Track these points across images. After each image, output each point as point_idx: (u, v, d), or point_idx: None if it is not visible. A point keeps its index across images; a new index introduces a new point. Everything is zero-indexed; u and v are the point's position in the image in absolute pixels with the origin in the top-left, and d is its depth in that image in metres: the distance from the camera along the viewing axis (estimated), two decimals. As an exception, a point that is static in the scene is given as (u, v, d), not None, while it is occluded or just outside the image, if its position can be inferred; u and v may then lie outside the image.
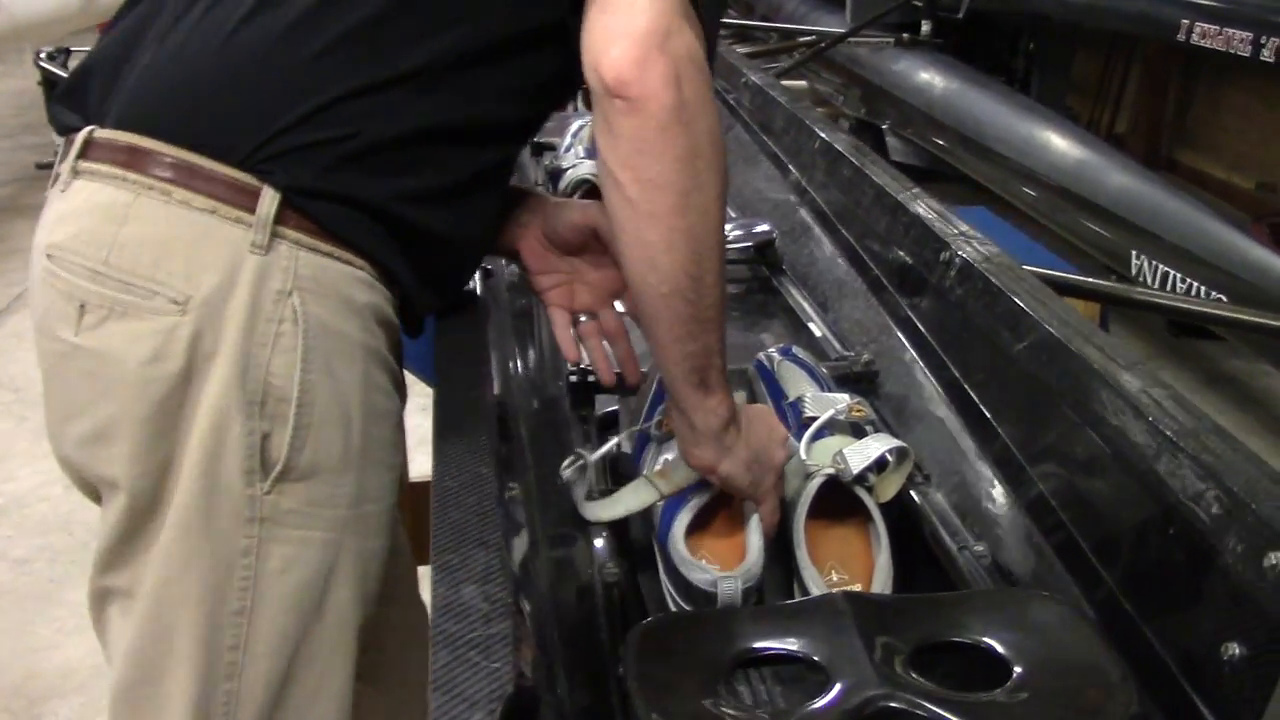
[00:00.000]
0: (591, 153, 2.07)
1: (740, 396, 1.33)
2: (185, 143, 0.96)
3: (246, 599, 0.99)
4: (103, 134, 0.99)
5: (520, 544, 0.86)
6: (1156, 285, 3.29)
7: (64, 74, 3.36)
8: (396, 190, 1.00)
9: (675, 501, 1.06)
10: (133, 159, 0.97)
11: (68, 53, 3.61)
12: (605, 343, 1.24)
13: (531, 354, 1.43)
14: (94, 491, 1.05)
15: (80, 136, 1.01)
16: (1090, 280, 1.90)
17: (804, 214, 1.82)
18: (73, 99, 1.06)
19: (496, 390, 1.13)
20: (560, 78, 0.99)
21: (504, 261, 1.47)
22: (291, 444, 0.97)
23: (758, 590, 1.00)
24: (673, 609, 1.01)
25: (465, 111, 1.02)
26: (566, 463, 1.12)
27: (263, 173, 0.96)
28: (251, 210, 0.95)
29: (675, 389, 1.01)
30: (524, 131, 1.14)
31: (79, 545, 2.85)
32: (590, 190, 1.85)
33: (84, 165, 0.99)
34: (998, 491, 1.10)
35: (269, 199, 0.95)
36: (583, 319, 1.24)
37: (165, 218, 0.95)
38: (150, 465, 0.97)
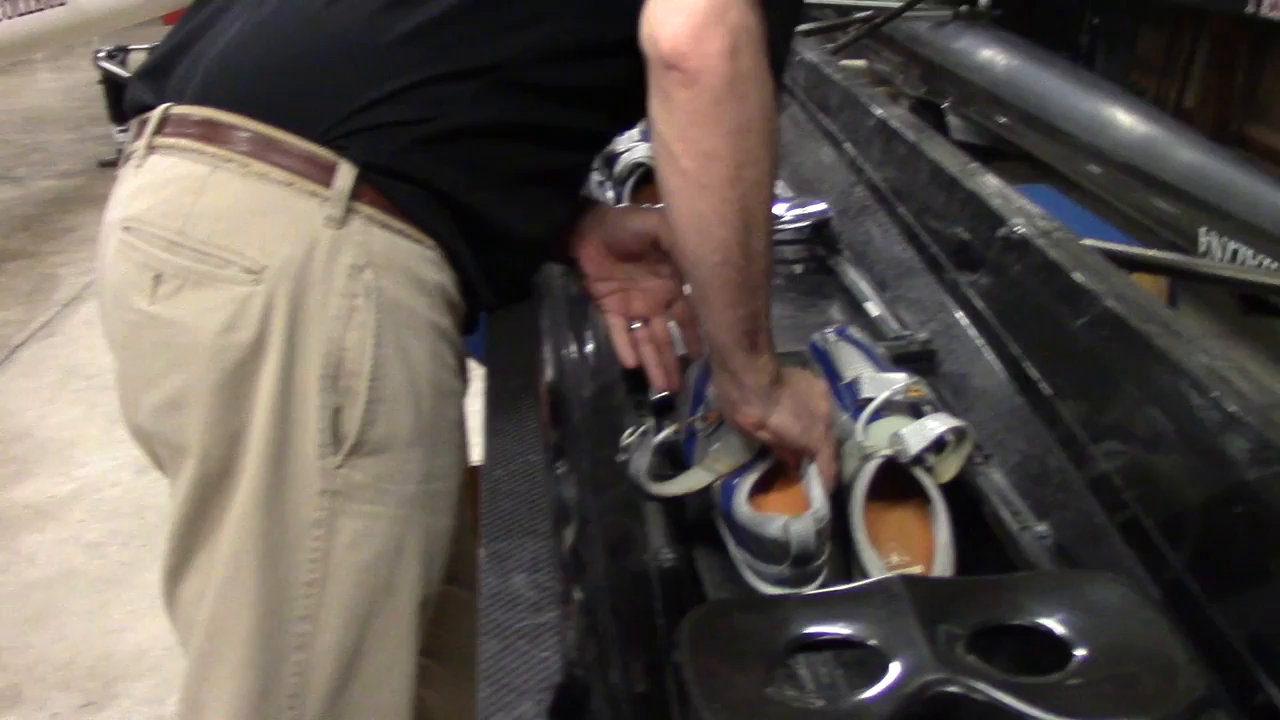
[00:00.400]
0: (647, 135, 2.06)
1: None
2: (264, 117, 0.98)
3: (317, 571, 1.00)
4: (179, 110, 1.01)
5: (572, 531, 0.86)
6: (1227, 262, 3.22)
7: (123, 71, 3.41)
8: (467, 179, 1.02)
9: (732, 478, 1.06)
10: (211, 132, 0.98)
11: (126, 51, 3.67)
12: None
13: (586, 340, 1.43)
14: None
15: (156, 113, 1.03)
16: (1156, 253, 1.86)
17: (860, 192, 1.80)
18: (151, 79, 1.08)
19: (550, 376, 1.13)
20: (636, 91, 0.99)
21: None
22: (364, 418, 0.98)
23: (829, 539, 0.99)
24: (748, 577, 1.01)
25: (540, 112, 1.04)
26: (628, 433, 1.12)
27: (340, 148, 0.97)
28: (327, 185, 0.97)
29: (725, 352, 1.02)
30: (596, 141, 1.16)
31: (150, 529, 2.90)
32: (645, 175, 1.84)
33: (160, 141, 1.01)
34: (1059, 471, 1.08)
35: (346, 174, 0.97)
36: (635, 326, 1.26)
37: (242, 189, 0.97)
38: (223, 434, 0.98)
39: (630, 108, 1.01)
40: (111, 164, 4.00)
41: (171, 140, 1.01)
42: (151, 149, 1.02)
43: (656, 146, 0.95)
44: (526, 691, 0.60)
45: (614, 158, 1.96)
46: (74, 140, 6.61)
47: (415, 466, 1.03)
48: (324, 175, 0.97)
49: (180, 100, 1.02)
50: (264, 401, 0.97)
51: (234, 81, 1.01)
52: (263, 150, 0.97)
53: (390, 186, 0.99)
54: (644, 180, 1.91)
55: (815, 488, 1.03)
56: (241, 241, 0.96)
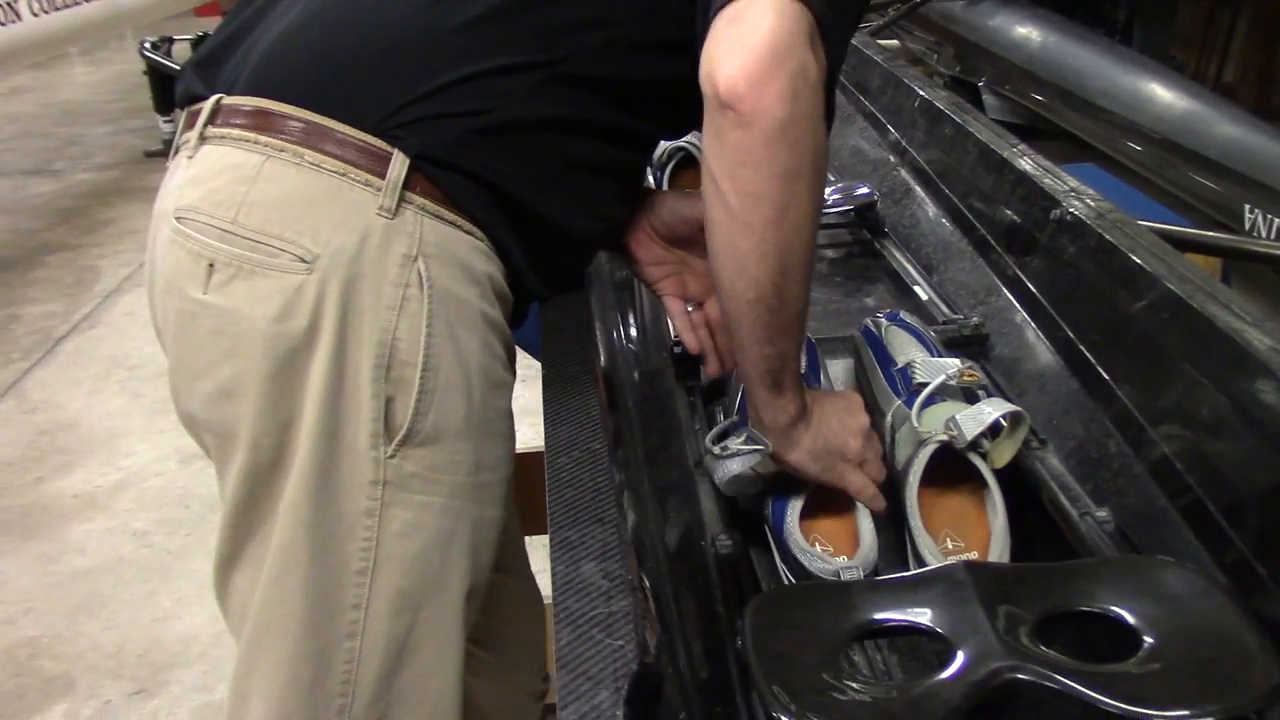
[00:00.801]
0: None
1: (842, 365, 1.32)
2: (317, 106, 0.98)
3: (369, 560, 1.01)
4: (230, 100, 1.02)
5: (634, 519, 0.86)
6: (1273, 239, 3.17)
7: (168, 62, 3.44)
8: (519, 172, 1.02)
9: (784, 492, 1.06)
10: (264, 122, 0.99)
11: (170, 41, 3.70)
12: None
13: (633, 325, 1.42)
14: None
15: (208, 104, 1.03)
16: (1210, 234, 1.84)
17: (905, 174, 1.79)
18: (204, 69, 1.09)
19: (602, 363, 1.13)
20: (692, 92, 0.97)
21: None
22: (416, 408, 0.99)
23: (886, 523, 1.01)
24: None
25: (595, 109, 1.04)
26: (721, 447, 1.12)
27: (394, 139, 0.97)
28: (381, 175, 0.97)
29: (749, 385, 1.04)
30: (650, 141, 1.16)
31: (195, 518, 2.93)
32: (686, 159, 1.83)
33: (212, 131, 1.02)
34: (1119, 455, 1.07)
35: (399, 164, 0.97)
36: (690, 308, 1.25)
37: (295, 179, 0.97)
38: (275, 423, 0.99)
39: (685, 109, 0.99)
40: (157, 154, 4.03)
41: (223, 130, 1.01)
42: (204, 140, 1.02)
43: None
44: (602, 680, 0.61)
45: (653, 142, 1.96)
46: (110, 133, 6.67)
47: (466, 457, 1.03)
48: (378, 165, 0.97)
49: (232, 91, 1.03)
50: (315, 390, 0.97)
51: (287, 71, 1.02)
52: (316, 140, 0.97)
53: (442, 177, 0.99)
54: (682, 165, 1.90)
55: (865, 521, 1.04)
56: (294, 231, 0.96)
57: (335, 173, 0.97)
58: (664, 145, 1.90)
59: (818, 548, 1.02)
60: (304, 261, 0.96)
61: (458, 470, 1.03)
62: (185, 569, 2.74)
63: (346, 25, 1.02)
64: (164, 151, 3.76)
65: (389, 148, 0.97)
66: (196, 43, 3.90)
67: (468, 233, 1.02)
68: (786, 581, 1.02)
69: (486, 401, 1.04)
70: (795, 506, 1.05)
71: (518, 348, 1.39)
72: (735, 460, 1.05)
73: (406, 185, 0.98)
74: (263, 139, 0.98)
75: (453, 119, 0.98)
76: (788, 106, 0.87)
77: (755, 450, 1.04)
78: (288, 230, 0.96)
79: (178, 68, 3.36)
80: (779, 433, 1.04)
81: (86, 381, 3.67)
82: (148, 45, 4.07)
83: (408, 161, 0.97)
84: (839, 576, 0.97)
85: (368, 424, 0.98)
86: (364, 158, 0.97)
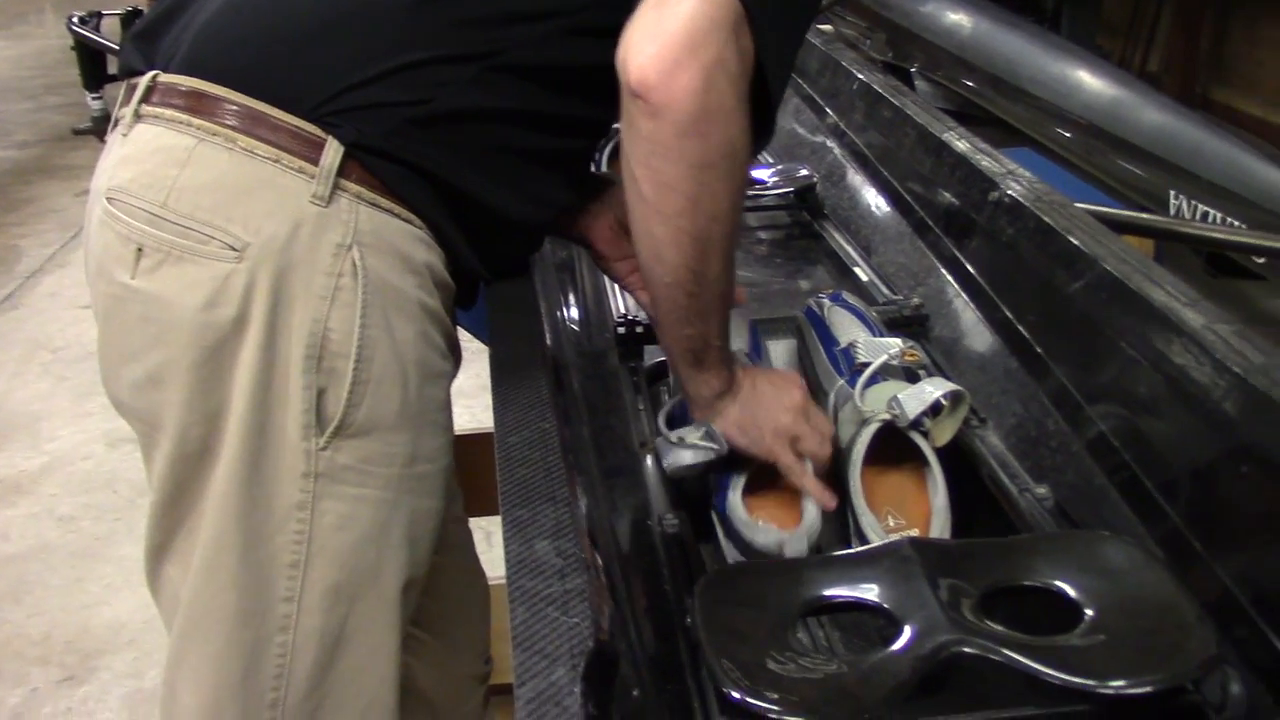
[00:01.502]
0: None
1: (784, 345, 1.33)
2: (252, 90, 0.96)
3: (301, 553, 0.99)
4: (166, 78, 0.99)
5: (584, 498, 0.86)
6: (1213, 224, 3.25)
7: (96, 37, 3.35)
8: (458, 162, 1.00)
9: (727, 468, 1.07)
10: (198, 104, 0.97)
11: (99, 16, 3.60)
12: None
13: (576, 306, 1.42)
14: None
15: (144, 81, 1.01)
16: (1142, 215, 1.87)
17: (844, 157, 1.80)
18: (142, 42, 1.07)
19: (549, 343, 1.13)
20: None
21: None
22: (349, 400, 0.97)
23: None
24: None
25: (537, 100, 1.03)
26: (676, 435, 1.12)
27: (329, 125, 0.95)
28: (315, 162, 0.95)
29: (672, 361, 1.07)
30: (598, 127, 1.13)
31: (124, 503, 2.88)
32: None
33: (146, 109, 0.99)
34: (1056, 433, 1.09)
35: (333, 151, 0.95)
36: None
37: (227, 164, 0.95)
38: (202, 412, 0.97)
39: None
40: (85, 132, 3.94)
41: (158, 110, 0.99)
42: (139, 117, 1.00)
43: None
44: (559, 657, 0.60)
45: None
46: (31, 110, 6.50)
47: (401, 449, 1.02)
48: (311, 152, 0.95)
49: (169, 67, 1.00)
50: (244, 381, 0.96)
51: (223, 51, 0.99)
52: (250, 125, 0.95)
53: (378, 166, 0.97)
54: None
55: (809, 498, 1.04)
56: (224, 218, 0.94)
57: (268, 159, 0.95)
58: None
59: (760, 522, 1.03)
60: (233, 250, 0.94)
61: (393, 462, 1.01)
62: (113, 554, 2.69)
63: (286, 7, 1.00)
64: (93, 129, 3.67)
65: (323, 134, 0.95)
66: (126, 18, 3.80)
67: (406, 221, 1.00)
68: (730, 558, 1.03)
69: (423, 392, 1.02)
70: (738, 482, 1.06)
71: (463, 330, 1.38)
72: (688, 452, 1.05)
73: (341, 173, 0.96)
74: (196, 121, 0.96)
75: (389, 108, 0.96)
76: (699, 99, 0.86)
77: (709, 448, 1.05)
78: (218, 217, 0.94)
79: (106, 43, 3.28)
80: (704, 404, 1.06)
81: (8, 364, 3.59)
82: (75, 20, 3.97)
83: (342, 149, 0.95)
84: (781, 549, 0.97)
85: (299, 415, 0.96)
86: (298, 144, 0.95)
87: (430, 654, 1.37)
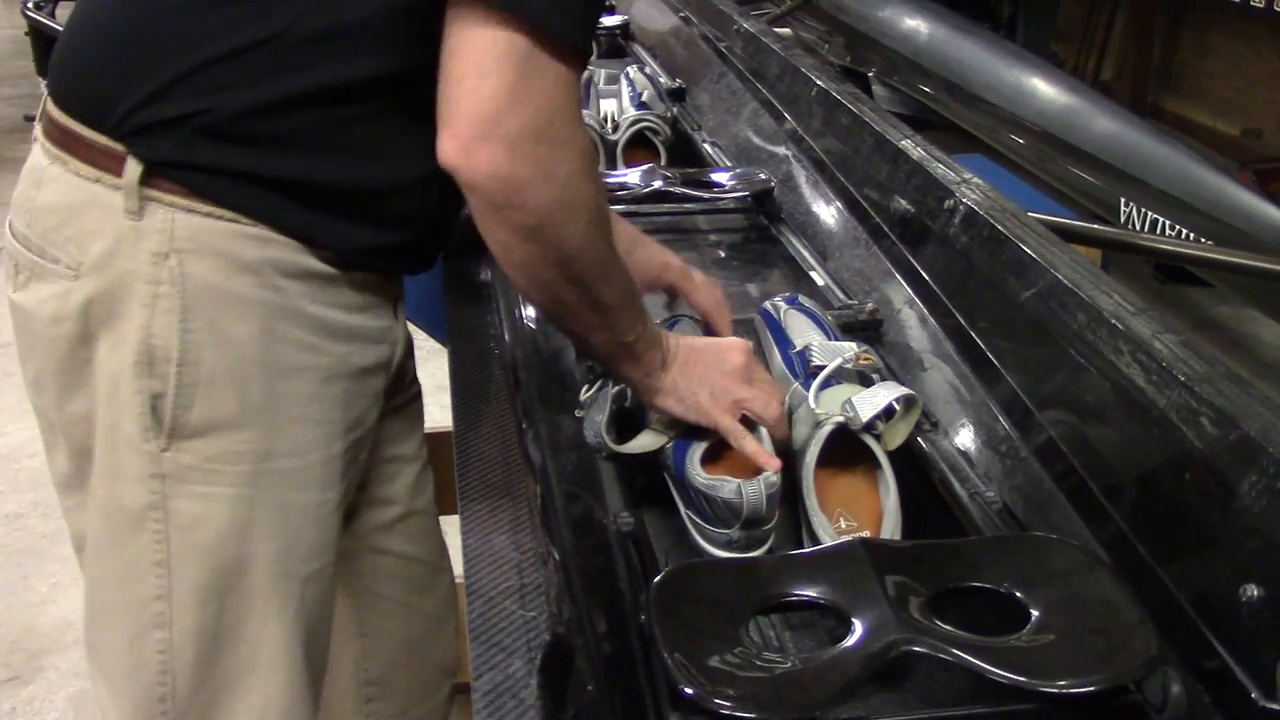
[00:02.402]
0: (637, 103, 2.11)
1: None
2: (72, 110, 0.99)
3: (163, 552, 1.02)
4: (46, 96, 1.04)
5: (542, 494, 0.86)
6: (1147, 231, 3.30)
7: (51, 23, 3.29)
8: (262, 158, 0.97)
9: (684, 441, 1.08)
10: (48, 128, 1.02)
11: (55, 2, 3.53)
12: None
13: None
14: None
15: (44, 96, 1.05)
16: (1090, 226, 1.90)
17: (801, 162, 1.81)
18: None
19: (506, 339, 1.13)
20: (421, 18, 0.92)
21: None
22: (176, 402, 0.99)
23: (779, 503, 1.01)
24: (697, 539, 1.03)
25: (336, 70, 0.96)
26: (585, 389, 1.13)
27: (128, 142, 0.96)
28: (119, 176, 0.96)
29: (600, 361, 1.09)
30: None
31: (71, 500, 2.84)
32: (637, 136, 1.97)
33: (36, 126, 1.05)
34: (1006, 437, 1.11)
35: (132, 168, 0.96)
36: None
37: (64, 186, 0.99)
38: (73, 415, 1.03)
39: (432, 30, 0.91)
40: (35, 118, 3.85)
41: (38, 128, 1.04)
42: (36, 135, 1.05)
43: None
44: (516, 650, 0.61)
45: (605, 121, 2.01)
46: (-17, 99, 6.40)
47: (249, 446, 1.02)
48: (116, 167, 0.97)
49: (50, 85, 1.05)
50: (98, 387, 1.00)
51: (60, 69, 1.03)
52: (72, 146, 0.99)
53: (184, 176, 0.97)
54: (633, 143, 2.00)
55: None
56: (63, 238, 0.99)
57: (89, 179, 0.98)
58: (619, 120, 1.93)
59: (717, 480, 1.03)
60: (70, 269, 0.98)
61: (240, 460, 1.02)
62: (60, 552, 2.65)
63: (92, 18, 1.02)
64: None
65: (124, 149, 0.96)
66: (81, 3, 3.74)
67: (231, 221, 0.98)
68: (693, 527, 1.04)
69: (275, 388, 1.02)
70: (697, 449, 1.06)
71: (418, 329, 1.38)
72: (630, 444, 1.07)
73: (147, 184, 0.96)
74: (48, 145, 1.01)
75: (176, 123, 0.95)
76: (505, 171, 0.87)
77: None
78: (59, 237, 0.99)
79: (60, 28, 3.23)
80: (643, 388, 1.07)
81: (-46, 358, 3.53)
82: (30, 5, 3.89)
83: (140, 166, 0.96)
84: (740, 494, 0.97)
85: (136, 419, 0.99)
86: (109, 161, 0.97)
87: (386, 645, 1.40)
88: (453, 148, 0.88)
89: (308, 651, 1.10)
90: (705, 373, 1.07)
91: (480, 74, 0.86)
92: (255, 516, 1.03)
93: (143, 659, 1.03)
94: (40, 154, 1.02)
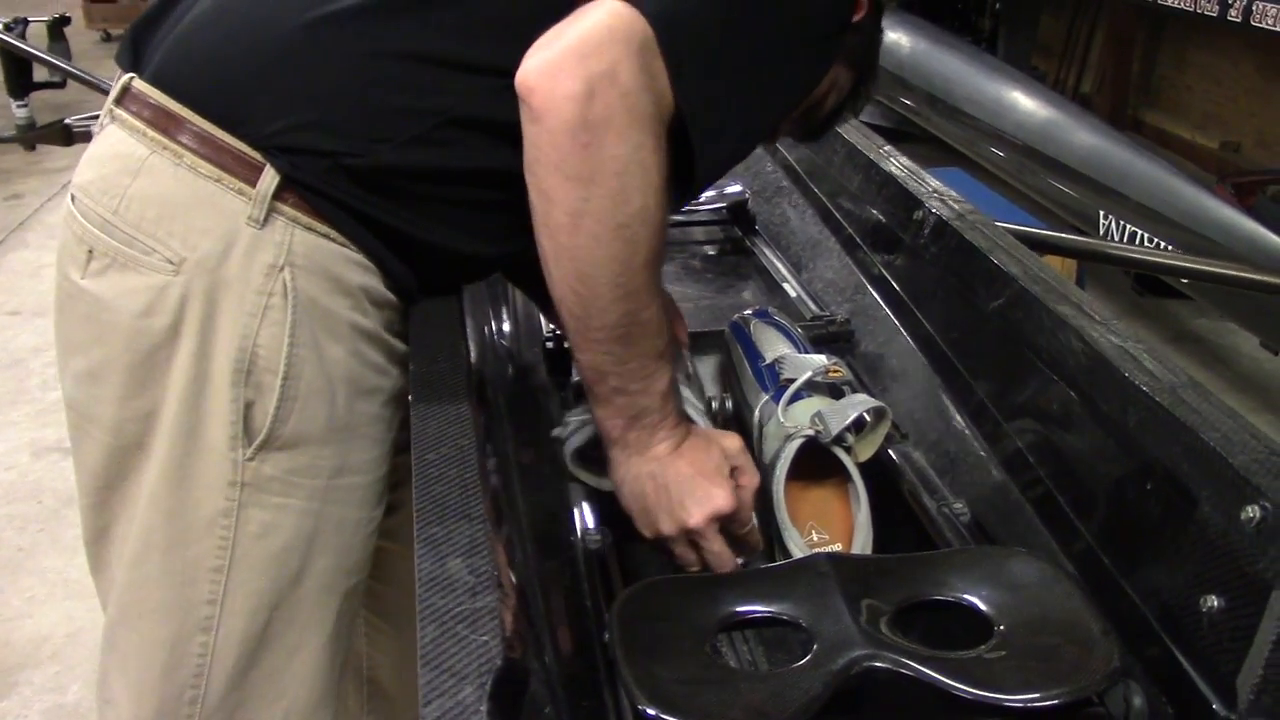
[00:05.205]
0: None
1: (712, 361, 1.34)
2: (208, 112, 0.98)
3: (224, 558, 1.01)
4: (139, 85, 1.01)
5: (503, 516, 0.85)
6: (1125, 243, 3.31)
7: (21, 44, 3.28)
8: (394, 208, 1.00)
9: None
10: (158, 118, 0.99)
11: (25, 22, 3.53)
12: None
13: (506, 319, 1.42)
14: None
15: (120, 82, 1.03)
16: (1066, 236, 1.91)
17: (776, 173, 1.82)
18: (133, 39, 1.08)
19: (473, 358, 1.12)
20: None
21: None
22: (276, 414, 0.99)
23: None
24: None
25: (483, 156, 1.00)
26: (573, 413, 1.12)
27: (270, 153, 0.97)
28: (252, 184, 0.96)
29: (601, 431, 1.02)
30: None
31: (48, 513, 2.82)
32: None
33: (118, 111, 1.02)
34: (975, 449, 1.11)
35: (269, 178, 0.96)
36: None
37: (173, 179, 0.97)
38: (135, 411, 1.00)
39: None
40: (9, 140, 3.84)
41: (124, 114, 1.01)
42: (112, 117, 1.03)
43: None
44: (467, 676, 0.60)
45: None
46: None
47: (327, 461, 1.03)
48: (251, 175, 0.97)
49: (144, 72, 1.02)
50: (177, 387, 0.98)
51: (187, 67, 1.01)
52: (198, 144, 0.97)
53: (313, 199, 0.98)
54: None
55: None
56: (166, 231, 0.97)
57: (210, 178, 0.97)
58: None
59: None
60: (171, 264, 0.97)
61: (318, 474, 1.03)
62: (36, 566, 2.63)
63: (241, 27, 1.01)
64: (18, 137, 3.59)
65: (263, 159, 0.97)
66: (53, 25, 3.73)
67: (341, 245, 1.00)
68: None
69: (353, 408, 1.04)
70: None
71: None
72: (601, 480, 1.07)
73: (278, 197, 0.97)
74: (151, 134, 0.99)
75: (326, 155, 0.97)
76: (577, 107, 0.84)
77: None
78: (160, 230, 0.97)
79: (32, 50, 3.22)
80: (606, 440, 1.01)
81: (-69, 372, 3.51)
82: (0, 25, 3.88)
83: (278, 177, 0.96)
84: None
85: (226, 426, 0.99)
86: (240, 166, 0.97)
87: (389, 644, 1.42)
88: (538, 68, 0.85)
89: (334, 660, 1.11)
90: (676, 497, 0.98)
91: (599, 10, 0.86)
92: (320, 530, 1.04)
93: (181, 661, 1.03)
94: (131, 140, 0.99)
